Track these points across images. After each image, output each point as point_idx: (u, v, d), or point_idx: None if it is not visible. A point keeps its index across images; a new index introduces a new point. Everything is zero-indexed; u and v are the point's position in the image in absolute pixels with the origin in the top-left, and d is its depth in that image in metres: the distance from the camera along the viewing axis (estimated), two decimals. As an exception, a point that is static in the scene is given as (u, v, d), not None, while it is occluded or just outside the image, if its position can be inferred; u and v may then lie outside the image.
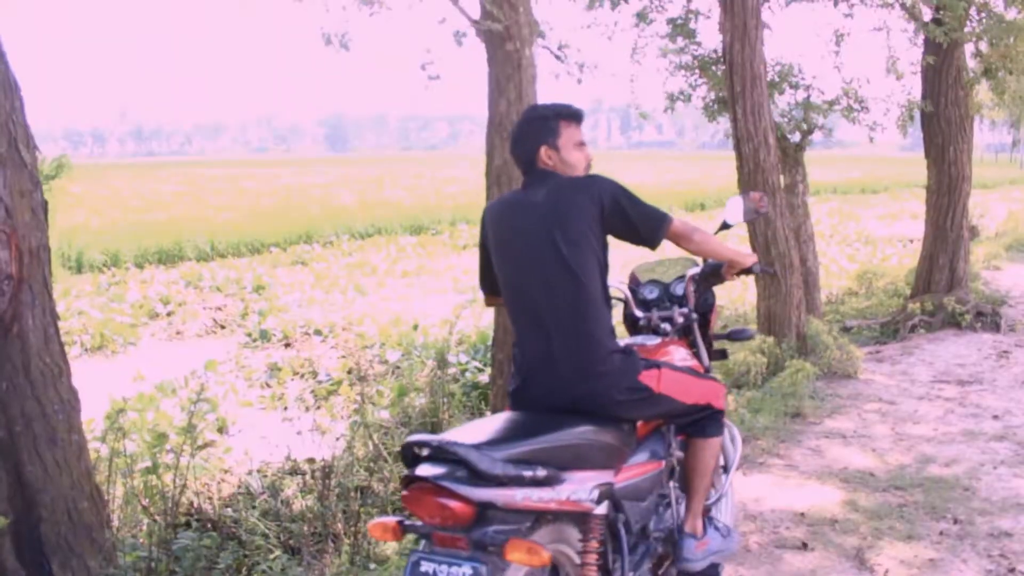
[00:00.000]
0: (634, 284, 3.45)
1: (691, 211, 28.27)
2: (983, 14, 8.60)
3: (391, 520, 2.30)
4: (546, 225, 2.68)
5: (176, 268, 16.64)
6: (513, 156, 2.92)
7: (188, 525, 4.31)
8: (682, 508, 3.11)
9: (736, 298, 10.39)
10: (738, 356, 6.73)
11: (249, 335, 10.49)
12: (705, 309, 3.37)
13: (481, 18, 4.27)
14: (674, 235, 2.80)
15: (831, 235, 18.48)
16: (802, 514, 4.26)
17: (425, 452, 2.30)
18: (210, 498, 4.81)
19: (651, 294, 3.38)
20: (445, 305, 11.34)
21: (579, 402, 2.65)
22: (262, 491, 4.91)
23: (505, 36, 4.27)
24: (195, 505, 4.61)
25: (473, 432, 2.40)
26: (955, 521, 4.13)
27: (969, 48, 9.14)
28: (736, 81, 6.99)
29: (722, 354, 3.49)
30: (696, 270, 3.33)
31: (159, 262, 17.54)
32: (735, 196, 3.46)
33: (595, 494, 2.49)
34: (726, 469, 3.45)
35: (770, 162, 7.07)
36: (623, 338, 3.06)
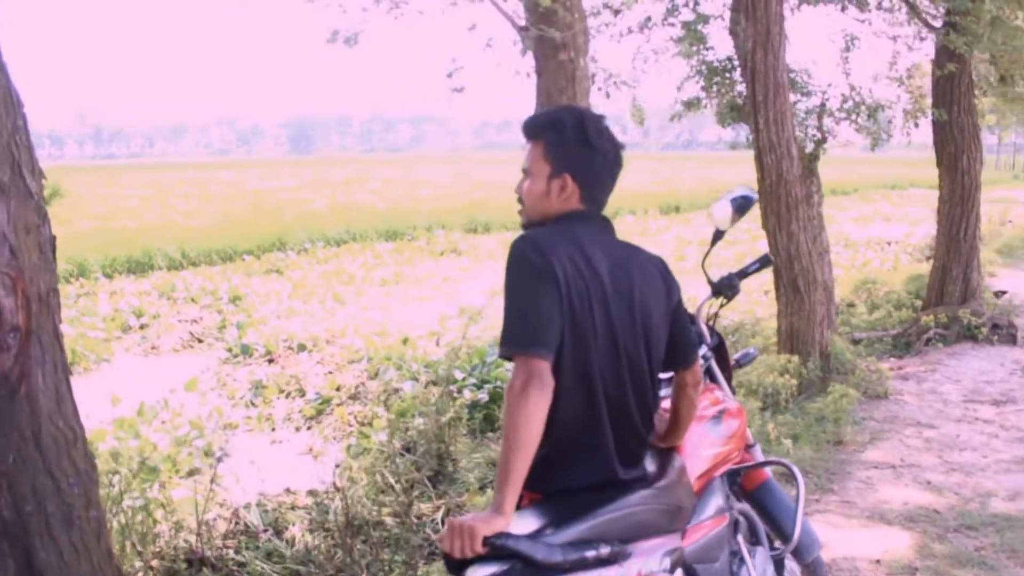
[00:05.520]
0: None
1: (667, 214, 27.97)
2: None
3: None
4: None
5: (147, 278, 15.93)
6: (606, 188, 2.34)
7: (190, 564, 3.94)
8: (756, 562, 2.79)
9: (746, 311, 10.07)
10: (765, 379, 6.41)
11: (229, 350, 9.96)
12: (717, 344, 3.13)
13: (531, 25, 3.85)
14: None
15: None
16: (878, 561, 3.93)
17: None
18: (210, 539, 4.41)
19: None
20: (427, 314, 10.92)
21: None
22: (264, 528, 4.53)
23: (559, 45, 3.86)
24: (193, 547, 4.20)
25: (519, 521, 2.04)
26: (1041, 567, 3.84)
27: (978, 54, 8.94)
28: (758, 89, 6.67)
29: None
30: (705, 304, 3.10)
31: (128, 271, 16.72)
32: (721, 198, 3.08)
33: (667, 563, 2.18)
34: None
35: (793, 173, 6.77)
36: None
